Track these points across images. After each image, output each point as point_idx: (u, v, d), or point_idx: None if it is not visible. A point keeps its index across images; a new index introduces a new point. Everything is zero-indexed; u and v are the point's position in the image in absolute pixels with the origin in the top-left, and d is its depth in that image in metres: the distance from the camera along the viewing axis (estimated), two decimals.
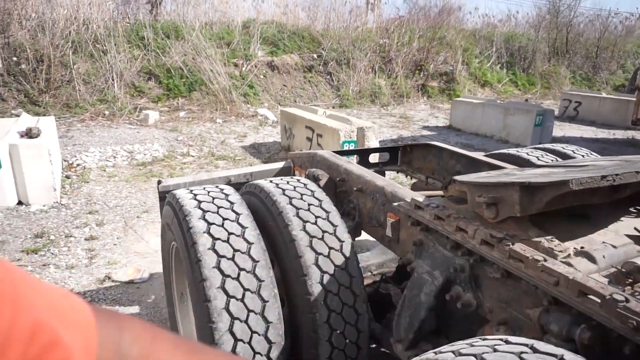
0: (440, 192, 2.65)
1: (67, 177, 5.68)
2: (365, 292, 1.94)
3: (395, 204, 1.93)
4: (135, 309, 3.06)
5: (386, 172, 3.33)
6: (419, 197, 1.86)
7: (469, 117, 9.90)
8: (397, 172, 3.69)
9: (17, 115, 7.08)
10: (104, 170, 6.09)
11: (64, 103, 9.61)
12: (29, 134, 4.83)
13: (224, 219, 1.84)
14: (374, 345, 2.18)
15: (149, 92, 10.57)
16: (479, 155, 2.76)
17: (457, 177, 1.69)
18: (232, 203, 1.95)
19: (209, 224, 1.80)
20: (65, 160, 6.33)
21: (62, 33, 10.13)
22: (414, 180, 3.26)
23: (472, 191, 1.59)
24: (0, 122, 5.90)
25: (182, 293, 2.38)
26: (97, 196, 5.12)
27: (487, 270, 1.50)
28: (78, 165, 6.21)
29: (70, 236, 4.08)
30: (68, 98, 9.71)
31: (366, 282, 2.58)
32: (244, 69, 11.87)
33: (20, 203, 4.70)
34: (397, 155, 3.29)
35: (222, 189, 2.07)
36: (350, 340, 1.84)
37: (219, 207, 1.90)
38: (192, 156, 7.05)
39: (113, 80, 10.15)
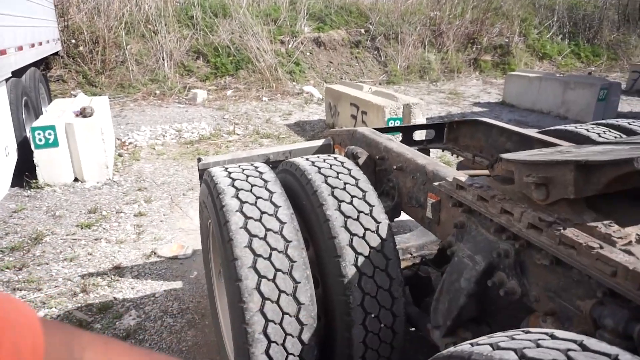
0: (486, 172, 2.49)
1: (120, 155, 5.91)
2: (402, 275, 1.86)
3: (436, 183, 1.82)
4: (178, 284, 3.15)
5: (431, 150, 3.19)
6: (462, 176, 1.74)
7: (524, 92, 9.34)
8: (443, 150, 3.53)
9: (75, 96, 7.42)
10: (154, 149, 6.28)
11: (118, 83, 9.98)
12: (83, 113, 5.04)
13: (257, 198, 1.81)
14: (412, 329, 2.11)
15: (198, 71, 10.76)
16: (532, 132, 2.56)
17: (504, 155, 1.55)
18: (265, 181, 1.91)
19: (242, 202, 1.77)
20: (118, 139, 6.59)
21: (116, 15, 10.45)
22: (460, 159, 3.09)
23: (521, 170, 1.45)
24: (59, 102, 6.21)
25: (219, 270, 2.39)
26: (146, 173, 5.29)
27: (535, 256, 1.38)
28: (130, 143, 6.45)
29: (121, 212, 4.25)
30: (122, 78, 10.07)
31: (405, 264, 2.50)
32: (290, 45, 11.80)
33: (76, 180, 4.94)
34: (442, 132, 3.13)
35: (256, 167, 2.03)
36: (385, 324, 1.78)
37: (252, 185, 1.86)
38: (238, 134, 7.13)
39: (163, 60, 10.40)
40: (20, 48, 5.50)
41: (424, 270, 2.43)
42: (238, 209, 1.74)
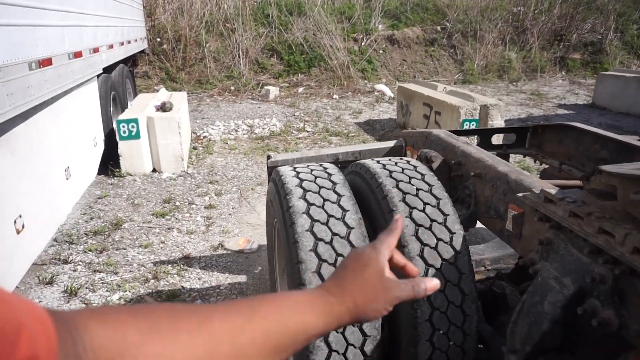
0: (577, 182, 2.25)
1: (195, 148, 6.16)
2: (476, 290, 1.72)
3: (520, 194, 1.65)
4: (242, 278, 3.20)
5: (510, 155, 2.96)
6: (551, 188, 1.56)
7: (618, 93, 8.52)
8: (524, 156, 3.28)
9: (157, 91, 7.85)
10: (226, 143, 6.48)
11: (197, 79, 10.45)
12: (163, 107, 5.30)
13: (325, 200, 1.75)
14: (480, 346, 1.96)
15: (271, 68, 10.98)
16: (634, 140, 2.28)
17: (605, 167, 1.37)
18: (334, 183, 1.85)
19: (309, 204, 1.73)
20: (193, 133, 6.88)
21: (197, 14, 10.94)
22: (544, 167, 2.84)
23: (625, 185, 1.27)
24: (143, 97, 6.60)
25: (283, 269, 2.38)
26: (218, 167, 5.47)
27: (639, 285, 1.19)
28: (204, 137, 6.70)
29: (193, 203, 4.41)
30: (200, 75, 10.54)
31: (478, 277, 2.33)
32: (363, 43, 11.69)
33: (154, 170, 5.21)
34: (524, 136, 2.89)
35: (325, 168, 1.98)
36: (455, 342, 1.65)
37: (320, 187, 1.81)
38: (307, 131, 7.16)
39: (239, 57, 10.73)
40: (111, 46, 5.90)
41: (498, 285, 2.25)
42: (305, 211, 1.70)
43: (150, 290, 3.07)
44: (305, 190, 1.79)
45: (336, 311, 0.57)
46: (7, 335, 0.31)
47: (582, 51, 12.57)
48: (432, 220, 1.70)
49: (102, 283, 3.15)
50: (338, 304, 0.57)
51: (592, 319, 1.33)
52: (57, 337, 0.36)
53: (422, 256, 1.64)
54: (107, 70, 5.71)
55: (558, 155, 2.71)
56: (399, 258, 0.65)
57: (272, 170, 2.39)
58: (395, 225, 0.67)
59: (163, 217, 4.11)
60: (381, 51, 11.84)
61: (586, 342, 1.47)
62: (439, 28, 12.44)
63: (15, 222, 2.93)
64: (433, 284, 0.62)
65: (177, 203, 4.41)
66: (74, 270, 3.30)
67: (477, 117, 5.62)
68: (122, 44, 6.66)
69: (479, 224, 2.14)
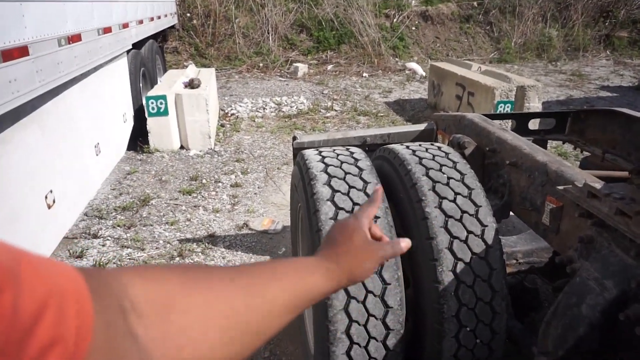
0: (622, 174, 2.10)
1: (222, 125, 6.15)
2: (507, 286, 1.64)
3: (560, 187, 1.54)
4: (266, 259, 3.19)
5: (548, 142, 2.80)
6: (595, 182, 1.45)
7: None
8: (564, 143, 3.11)
9: (186, 67, 7.85)
10: (254, 121, 6.45)
11: (226, 55, 10.41)
12: (191, 84, 5.28)
13: (350, 187, 1.68)
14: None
15: (300, 45, 10.82)
16: None
17: None
18: (361, 169, 1.78)
19: (334, 191, 1.66)
20: (221, 110, 6.87)
21: None
22: (585, 154, 2.68)
23: None
24: (172, 73, 6.61)
25: (307, 253, 2.34)
26: (244, 145, 5.45)
27: None
28: (232, 114, 6.69)
29: (219, 182, 4.42)
30: (229, 51, 10.48)
31: (509, 270, 2.23)
32: (395, 20, 11.35)
33: (182, 147, 5.24)
34: (564, 121, 2.73)
35: (352, 153, 1.90)
36: (482, 340, 1.58)
37: (346, 173, 1.74)
38: (335, 110, 7.05)
39: (268, 33, 10.60)
40: (141, 22, 5.89)
41: (530, 280, 2.16)
42: (329, 198, 1.64)
43: None
44: (331, 177, 1.72)
45: (337, 275, 0.64)
46: (22, 319, 0.29)
47: (629, 29, 11.84)
48: (463, 212, 1.61)
49: (130, 259, 3.20)
50: (336, 269, 0.64)
51: (635, 326, 1.23)
52: (93, 304, 0.35)
53: (450, 249, 1.56)
54: (137, 45, 5.72)
55: (601, 143, 2.54)
56: (376, 230, 0.73)
57: (298, 152, 2.33)
58: (375, 196, 0.76)
59: (189, 195, 4.13)
60: (414, 28, 11.47)
61: (628, 349, 1.37)
62: (475, 3, 11.93)
63: (46, 197, 2.98)
64: (407, 242, 0.72)
65: (204, 181, 4.43)
66: (103, 245, 3.37)
67: (513, 99, 5.38)
68: (151, 19, 6.64)
69: (511, 214, 2.03)
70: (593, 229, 1.43)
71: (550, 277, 2.13)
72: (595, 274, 1.38)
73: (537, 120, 3.18)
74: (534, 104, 5.36)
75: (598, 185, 1.41)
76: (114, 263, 3.15)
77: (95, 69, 4.08)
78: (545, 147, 2.66)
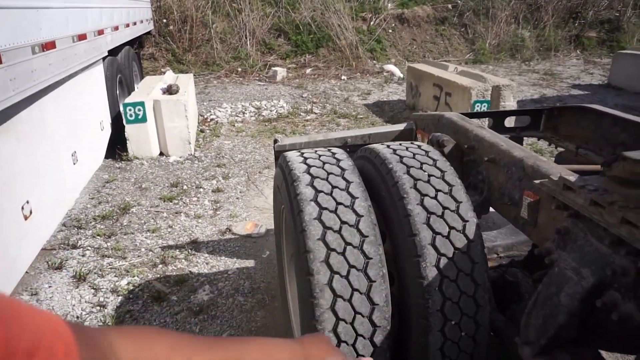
0: (595, 167, 2.17)
1: (202, 131, 6.11)
2: (489, 280, 1.67)
3: (537, 181, 1.59)
4: (250, 263, 3.18)
5: (524, 138, 2.88)
6: (570, 175, 1.49)
7: (637, 73, 8.28)
8: (539, 139, 3.19)
9: (164, 73, 7.77)
10: (233, 125, 6.42)
11: (203, 61, 10.34)
12: (169, 90, 5.24)
13: (333, 187, 1.70)
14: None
15: (278, 49, 10.82)
16: None
17: (629, 153, 1.29)
18: (343, 169, 1.79)
19: (317, 191, 1.68)
20: (201, 115, 6.82)
21: None
22: (560, 150, 2.76)
23: None
24: (149, 79, 6.54)
25: (291, 255, 2.34)
26: (225, 150, 5.42)
27: None
28: (211, 120, 6.65)
29: (200, 187, 4.38)
30: (207, 56, 10.42)
31: (491, 264, 2.28)
32: (372, 23, 11.46)
33: (161, 154, 5.19)
34: (539, 119, 2.80)
35: (334, 153, 1.92)
36: (467, 333, 1.61)
37: (328, 174, 1.76)
38: (315, 113, 7.07)
39: (246, 38, 10.58)
40: (116, 28, 5.82)
41: (511, 273, 2.20)
42: (313, 198, 1.65)
43: (159, 276, 3.07)
44: (313, 177, 1.74)
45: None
46: (18, 357, 0.32)
47: (598, 29, 12.22)
48: (445, 208, 1.64)
49: (111, 268, 3.15)
50: (301, 350, 0.70)
51: (611, 312, 1.28)
52: (79, 351, 0.37)
53: (433, 245, 1.58)
54: (113, 52, 5.64)
55: (575, 139, 2.62)
56: None
57: (280, 155, 2.34)
58: None
59: (171, 201, 4.09)
60: (390, 30, 11.60)
61: (605, 335, 1.42)
62: (450, 6, 12.14)
63: (22, 208, 2.92)
64: None
65: (185, 187, 4.39)
66: (83, 255, 3.31)
67: (489, 98, 5.49)
68: (127, 25, 6.56)
69: (491, 210, 2.08)
70: (569, 221, 1.47)
71: (530, 269, 2.18)
72: (572, 263, 1.42)
73: (513, 118, 3.26)
74: (509, 103, 5.49)
75: (573, 178, 1.46)
76: (94, 273, 3.09)
77: (71, 76, 4.01)
78: (522, 144, 2.72)
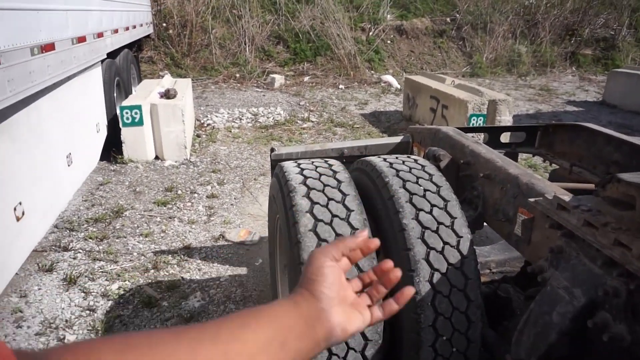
0: (589, 186, 2.19)
1: (198, 136, 6.10)
2: (481, 296, 1.68)
3: (532, 199, 1.60)
4: (243, 271, 3.17)
5: (519, 154, 2.90)
6: (564, 194, 1.51)
7: (630, 91, 8.38)
8: (533, 156, 3.22)
9: (162, 76, 7.77)
10: (230, 131, 6.42)
11: (202, 66, 10.35)
12: (167, 94, 5.24)
13: (329, 199, 1.70)
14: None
15: (277, 56, 10.86)
16: None
17: (623, 176, 1.31)
18: (339, 181, 1.80)
19: (313, 203, 1.68)
20: (197, 120, 6.82)
21: (204, 0, 10.80)
22: (554, 167, 2.78)
23: None
24: (147, 83, 6.54)
25: (285, 266, 2.34)
26: (221, 156, 5.42)
27: None
28: (208, 125, 6.65)
29: (195, 192, 4.37)
30: (205, 61, 10.43)
31: (483, 280, 2.28)
32: (371, 33, 11.54)
33: (157, 158, 5.17)
34: (534, 135, 2.83)
35: (330, 165, 1.93)
36: (458, 349, 1.61)
37: (325, 185, 1.76)
38: (312, 122, 7.09)
39: (245, 44, 10.62)
40: (116, 31, 5.82)
41: (504, 289, 2.20)
42: (308, 210, 1.65)
43: (150, 281, 3.05)
44: (309, 188, 1.74)
45: (305, 301, 0.61)
46: None
47: (593, 47, 12.38)
48: (439, 223, 1.65)
49: (102, 272, 3.12)
50: (302, 295, 0.62)
51: (602, 333, 1.28)
52: None
53: (427, 260, 1.59)
54: (112, 55, 5.64)
55: (569, 156, 2.65)
56: (367, 276, 0.69)
57: (276, 164, 2.34)
58: (359, 234, 0.70)
59: (164, 206, 4.07)
60: (389, 41, 11.69)
61: (596, 355, 1.43)
62: (448, 19, 12.27)
63: (15, 209, 2.89)
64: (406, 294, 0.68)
65: (179, 192, 4.38)
66: (74, 258, 3.28)
67: (485, 112, 5.54)
68: (127, 28, 6.57)
69: (485, 224, 2.09)
70: (562, 240, 1.48)
71: (522, 286, 2.19)
72: (564, 282, 1.43)
73: (509, 134, 3.29)
74: (505, 117, 5.53)
75: (567, 197, 1.47)
76: (85, 276, 3.06)
77: (69, 78, 4.00)
78: (517, 160, 2.75)
